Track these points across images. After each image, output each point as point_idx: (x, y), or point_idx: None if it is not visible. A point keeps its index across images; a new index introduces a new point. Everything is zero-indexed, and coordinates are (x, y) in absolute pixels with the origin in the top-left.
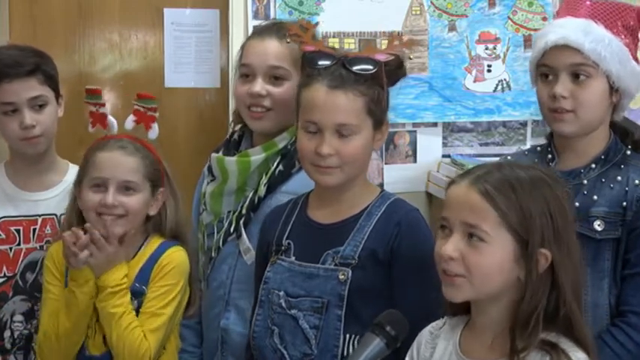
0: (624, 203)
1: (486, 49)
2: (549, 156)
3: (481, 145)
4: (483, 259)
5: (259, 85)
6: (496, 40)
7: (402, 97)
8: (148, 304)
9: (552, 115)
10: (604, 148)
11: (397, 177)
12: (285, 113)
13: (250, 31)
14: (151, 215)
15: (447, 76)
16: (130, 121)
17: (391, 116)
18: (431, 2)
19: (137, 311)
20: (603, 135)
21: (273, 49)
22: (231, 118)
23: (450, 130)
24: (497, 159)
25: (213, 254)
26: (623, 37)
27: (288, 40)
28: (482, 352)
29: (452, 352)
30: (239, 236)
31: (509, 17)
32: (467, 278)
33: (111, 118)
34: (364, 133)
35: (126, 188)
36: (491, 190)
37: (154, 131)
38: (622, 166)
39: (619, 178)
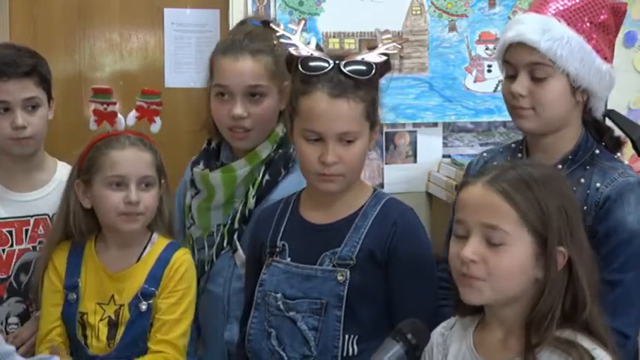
0: (585, 207)
1: (486, 49)
2: (519, 155)
3: (481, 145)
4: (505, 261)
5: (239, 108)
6: (496, 40)
7: (402, 97)
8: (168, 310)
9: (514, 111)
10: (573, 147)
11: (397, 177)
12: (267, 128)
13: None
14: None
15: (448, 76)
16: (131, 117)
17: (391, 116)
18: (431, 2)
19: (147, 312)
20: (573, 134)
21: (248, 69)
22: None
23: (451, 130)
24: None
25: (206, 268)
26: (589, 34)
27: (275, 43)
28: (497, 352)
29: (465, 353)
30: (234, 251)
31: (509, 17)
32: (487, 281)
33: (120, 116)
34: (364, 137)
35: (146, 184)
36: (509, 189)
37: (157, 125)
38: (587, 167)
39: (582, 180)
